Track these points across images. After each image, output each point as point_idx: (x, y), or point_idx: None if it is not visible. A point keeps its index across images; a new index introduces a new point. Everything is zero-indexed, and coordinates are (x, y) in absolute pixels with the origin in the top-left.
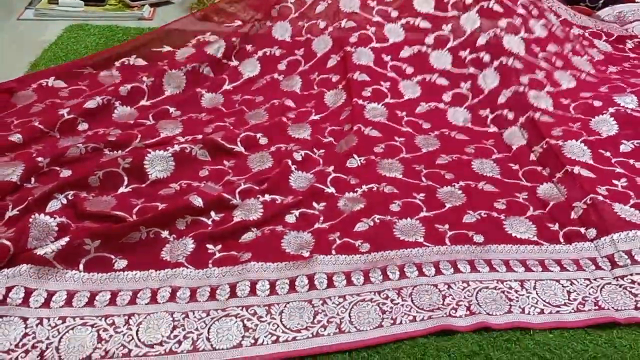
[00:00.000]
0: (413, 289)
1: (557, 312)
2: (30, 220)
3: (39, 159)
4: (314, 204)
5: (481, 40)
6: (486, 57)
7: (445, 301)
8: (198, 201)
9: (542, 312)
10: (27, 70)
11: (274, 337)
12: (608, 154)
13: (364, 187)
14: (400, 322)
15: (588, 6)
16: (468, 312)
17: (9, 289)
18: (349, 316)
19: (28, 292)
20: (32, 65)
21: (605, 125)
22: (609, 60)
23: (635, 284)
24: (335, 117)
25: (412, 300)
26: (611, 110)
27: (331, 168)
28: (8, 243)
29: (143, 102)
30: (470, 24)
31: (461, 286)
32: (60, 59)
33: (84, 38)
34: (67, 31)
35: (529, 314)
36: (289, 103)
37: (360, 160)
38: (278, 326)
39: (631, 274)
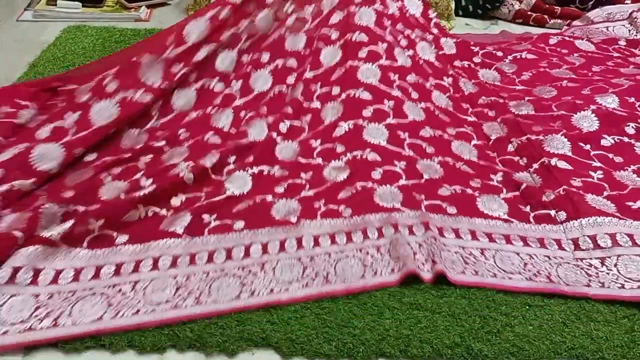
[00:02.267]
0: (390, 246)
1: (510, 278)
2: (41, 210)
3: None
4: (302, 174)
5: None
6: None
7: (416, 257)
8: (189, 177)
9: (495, 276)
10: (26, 71)
11: (269, 289)
12: (587, 147)
13: (349, 155)
14: (381, 274)
15: (578, 8)
16: (432, 264)
17: (16, 269)
18: (334, 270)
19: (36, 272)
20: (31, 66)
21: (587, 121)
22: (591, 61)
23: (592, 267)
24: (327, 76)
25: (389, 255)
26: (592, 107)
27: (318, 142)
28: (20, 234)
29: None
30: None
31: (429, 241)
32: (59, 60)
33: (82, 39)
34: (66, 32)
35: (482, 275)
36: (292, 63)
37: (348, 125)
38: (272, 280)
39: (591, 258)
